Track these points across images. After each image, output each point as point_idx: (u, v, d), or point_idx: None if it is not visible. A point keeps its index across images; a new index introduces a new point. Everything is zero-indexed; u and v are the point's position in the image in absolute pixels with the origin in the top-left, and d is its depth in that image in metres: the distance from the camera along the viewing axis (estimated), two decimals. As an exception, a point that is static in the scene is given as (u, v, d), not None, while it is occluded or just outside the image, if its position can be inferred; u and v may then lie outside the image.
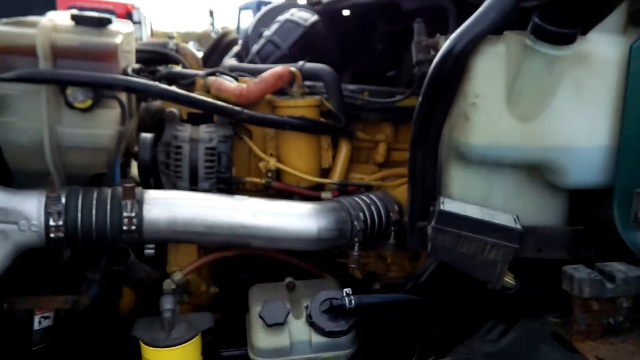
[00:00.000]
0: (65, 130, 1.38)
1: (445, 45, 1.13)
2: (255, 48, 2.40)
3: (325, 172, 1.88)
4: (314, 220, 1.52)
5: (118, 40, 1.38)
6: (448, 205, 1.21)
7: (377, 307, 1.48)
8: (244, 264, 1.84)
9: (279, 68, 1.77)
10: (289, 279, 1.66)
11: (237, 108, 1.58)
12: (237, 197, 1.54)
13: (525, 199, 1.26)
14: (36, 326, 1.57)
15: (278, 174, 1.82)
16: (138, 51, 2.04)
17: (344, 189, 1.79)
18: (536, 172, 1.23)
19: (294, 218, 1.51)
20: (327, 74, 1.83)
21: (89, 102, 1.36)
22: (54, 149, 1.38)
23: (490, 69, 1.14)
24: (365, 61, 2.64)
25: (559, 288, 1.20)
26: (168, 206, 1.43)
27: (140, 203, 1.40)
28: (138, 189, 1.43)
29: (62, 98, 1.35)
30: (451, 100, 1.21)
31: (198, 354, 1.42)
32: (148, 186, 1.67)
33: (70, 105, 1.36)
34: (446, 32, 1.42)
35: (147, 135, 1.68)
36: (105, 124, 1.40)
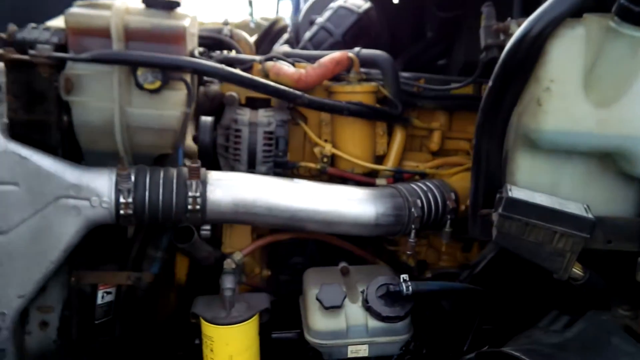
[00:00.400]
0: (135, 111, 1.42)
1: (521, 28, 1.11)
2: (307, 35, 2.40)
3: (380, 159, 1.88)
4: (372, 205, 1.53)
5: (186, 23, 1.41)
6: (516, 192, 1.20)
7: (434, 294, 1.47)
8: (296, 248, 1.86)
9: (337, 53, 1.77)
10: (343, 264, 1.67)
11: (297, 92, 1.59)
12: (296, 180, 1.55)
13: (595, 188, 1.23)
14: (99, 301, 1.63)
15: (332, 160, 1.83)
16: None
17: (399, 176, 1.78)
18: (609, 160, 1.20)
19: (353, 202, 1.52)
20: (384, 60, 1.82)
21: (157, 84, 1.40)
22: (124, 129, 1.42)
23: (567, 53, 1.11)
24: (416, 49, 2.61)
25: (627, 280, 1.17)
26: (231, 187, 1.46)
27: (204, 183, 1.43)
28: (202, 170, 1.46)
29: (133, 79, 1.39)
30: (522, 86, 1.19)
31: (256, 333, 1.45)
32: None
33: (140, 87, 1.39)
34: (504, 19, 1.39)
35: (207, 119, 1.71)
36: (172, 105, 1.44)
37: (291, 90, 1.58)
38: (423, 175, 1.80)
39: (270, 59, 1.89)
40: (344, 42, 2.29)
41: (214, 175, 1.47)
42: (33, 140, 1.40)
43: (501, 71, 1.17)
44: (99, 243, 1.60)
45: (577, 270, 1.19)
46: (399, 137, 1.88)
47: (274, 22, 2.88)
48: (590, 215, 1.14)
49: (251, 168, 1.69)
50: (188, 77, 1.47)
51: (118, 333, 1.63)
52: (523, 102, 1.22)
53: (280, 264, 1.90)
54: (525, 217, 1.16)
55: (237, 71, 1.47)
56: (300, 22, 2.68)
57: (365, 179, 1.77)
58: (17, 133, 1.39)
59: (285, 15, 2.78)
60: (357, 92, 1.78)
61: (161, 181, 1.40)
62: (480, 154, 1.30)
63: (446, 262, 1.94)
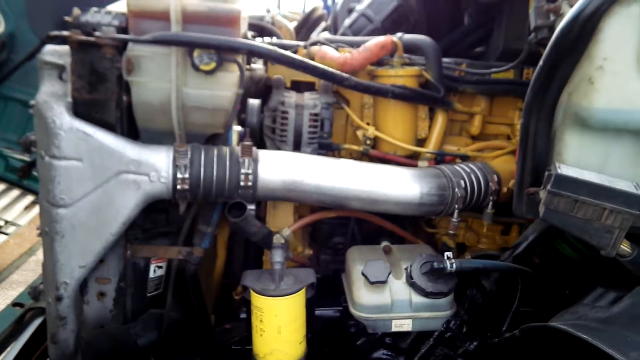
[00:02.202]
0: (190, 91, 1.48)
1: (576, 6, 1.12)
2: (347, 22, 2.44)
3: (421, 143, 1.91)
4: (417, 184, 1.56)
5: (240, 6, 1.46)
6: (565, 170, 1.22)
7: (478, 272, 1.50)
8: (337, 229, 1.91)
9: (382, 38, 1.80)
10: (385, 243, 1.71)
11: (344, 75, 1.63)
12: (342, 160, 1.60)
13: (645, 167, 1.24)
14: (151, 274, 1.71)
15: (374, 142, 1.86)
16: None
17: (441, 158, 1.81)
18: (659, 139, 1.21)
19: (397, 181, 1.56)
20: (427, 45, 1.84)
21: (213, 65, 1.45)
22: (179, 109, 1.48)
23: (621, 31, 1.12)
24: (454, 36, 2.61)
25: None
26: (281, 165, 1.51)
27: (256, 161, 1.48)
28: (254, 149, 1.52)
29: (189, 60, 1.45)
30: (574, 65, 1.21)
31: (303, 307, 1.51)
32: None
33: (196, 68, 1.45)
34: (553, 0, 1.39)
35: (255, 101, 1.77)
36: (225, 86, 1.49)
37: (339, 72, 1.62)
38: (465, 158, 1.83)
39: (315, 43, 1.94)
40: (383, 29, 2.32)
41: (265, 154, 1.52)
42: (94, 118, 1.48)
43: (553, 50, 1.19)
44: (153, 219, 1.68)
45: (625, 247, 1.21)
46: (440, 120, 1.90)
47: (312, 11, 2.92)
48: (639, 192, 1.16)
49: (296, 149, 1.75)
50: (240, 59, 1.52)
51: (168, 305, 1.70)
52: (574, 81, 1.23)
53: (321, 243, 1.95)
54: (574, 193, 1.18)
55: (290, 54, 1.52)
56: (338, 10, 2.72)
57: (407, 161, 1.80)
58: (79, 111, 1.47)
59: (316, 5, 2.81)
60: (400, 75, 1.81)
61: (215, 158, 1.47)
62: (527, 132, 1.32)
63: (485, 244, 1.97)
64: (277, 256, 1.49)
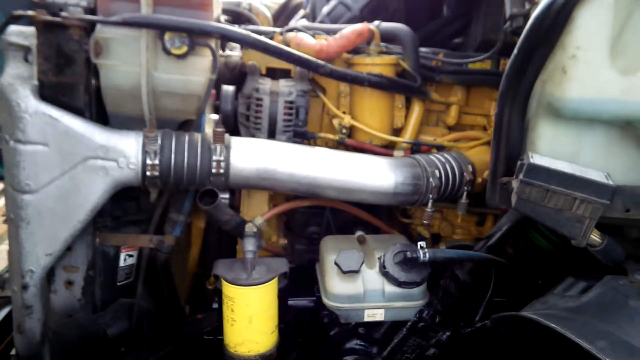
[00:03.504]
0: (161, 76, 1.44)
1: (549, -5, 1.12)
2: (325, 10, 2.41)
3: (397, 132, 1.90)
4: (392, 173, 1.55)
5: (213, -11, 1.42)
6: (537, 159, 1.22)
7: (451, 262, 1.50)
8: (312, 218, 1.89)
9: (358, 25, 1.78)
10: (359, 233, 1.70)
11: (320, 62, 1.61)
12: (317, 148, 1.58)
13: (616, 157, 1.25)
14: (121, 263, 1.67)
15: (350, 131, 1.85)
16: None
17: (416, 148, 1.80)
18: (630, 129, 1.22)
19: (372, 171, 1.54)
20: (404, 33, 1.83)
21: (184, 49, 1.41)
22: (149, 94, 1.44)
23: (595, 20, 1.12)
24: (432, 27, 2.60)
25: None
26: (254, 153, 1.48)
27: (228, 148, 1.46)
28: (226, 135, 1.49)
29: (160, 44, 1.41)
30: (547, 54, 1.20)
31: (275, 296, 1.49)
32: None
33: (167, 51, 1.41)
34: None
35: (229, 88, 1.73)
36: (197, 71, 1.46)
37: (314, 59, 1.59)
38: (441, 148, 1.83)
39: (292, 30, 1.91)
40: (361, 17, 2.30)
41: (238, 141, 1.50)
42: (61, 102, 1.43)
43: (527, 39, 1.18)
44: (123, 206, 1.64)
45: (595, 237, 1.22)
46: (417, 110, 1.90)
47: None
48: (610, 182, 1.16)
49: (271, 137, 1.72)
50: (213, 44, 1.49)
51: (139, 295, 1.66)
52: (547, 70, 1.23)
53: (296, 233, 1.94)
54: (545, 183, 1.18)
55: (264, 39, 1.49)
56: (316, -1, 2.69)
57: (383, 151, 1.79)
58: (46, 95, 1.42)
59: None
60: (377, 64, 1.79)
61: (186, 145, 1.43)
62: (501, 122, 1.31)
63: (460, 235, 1.98)
64: (249, 245, 1.47)
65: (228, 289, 1.45)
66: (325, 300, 1.49)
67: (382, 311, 1.48)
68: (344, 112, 1.85)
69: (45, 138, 1.38)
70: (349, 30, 1.76)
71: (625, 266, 1.22)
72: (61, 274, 1.58)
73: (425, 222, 1.66)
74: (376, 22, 1.92)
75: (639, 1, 1.07)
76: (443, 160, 1.65)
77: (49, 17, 1.32)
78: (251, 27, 2.05)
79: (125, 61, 1.41)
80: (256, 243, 1.49)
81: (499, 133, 1.32)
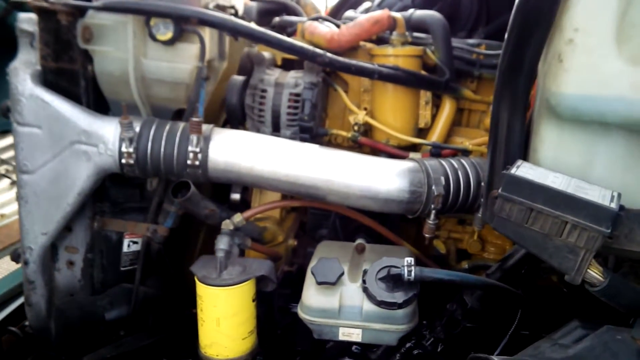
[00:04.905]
0: (150, 62, 1.42)
1: (532, -40, 0.88)
2: (377, 0, 2.25)
3: (423, 133, 1.70)
4: (386, 178, 1.37)
5: (200, -27, 1.36)
6: (524, 170, 0.97)
7: (443, 284, 1.28)
8: (323, 220, 1.76)
9: (377, 12, 1.61)
10: (359, 241, 1.54)
11: (318, 50, 1.47)
12: (306, 145, 1.45)
13: (639, 172, 0.96)
14: (125, 249, 1.69)
15: (370, 129, 1.68)
16: (262, 1, 2.06)
17: (436, 151, 1.58)
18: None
19: (362, 172, 1.38)
20: (434, 21, 1.62)
21: (169, 35, 1.38)
22: (138, 80, 1.43)
23: (597, -7, 0.86)
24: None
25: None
26: (234, 146, 1.40)
27: (207, 140, 1.39)
28: (208, 126, 1.42)
29: (147, 30, 1.39)
30: (544, 38, 0.95)
31: (247, 299, 1.39)
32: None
33: (153, 37, 1.39)
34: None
35: (238, 78, 1.67)
36: (184, 59, 1.41)
37: (310, 48, 1.46)
38: (466, 153, 1.58)
39: (316, 19, 1.80)
40: (415, 7, 2.10)
41: (220, 133, 1.42)
42: (62, 87, 1.47)
43: (516, 18, 0.95)
44: (126, 193, 1.66)
45: (594, 273, 0.94)
46: (447, 108, 1.67)
47: (352, -11, 2.74)
48: (612, 205, 0.89)
49: (276, 131, 1.62)
50: (207, 32, 1.43)
51: (137, 281, 1.67)
52: (547, 59, 0.98)
53: (308, 235, 1.82)
54: (528, 200, 0.94)
55: (246, 24, 1.40)
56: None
57: (397, 152, 1.60)
58: (48, 80, 1.47)
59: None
60: (398, 55, 1.61)
61: (165, 133, 1.39)
62: (498, 124, 1.08)
63: (492, 254, 1.72)
64: (221, 243, 1.39)
65: (198, 287, 1.38)
66: (299, 312, 1.36)
67: (359, 331, 1.31)
68: (365, 109, 1.69)
69: (39, 121, 1.43)
70: (365, 17, 1.59)
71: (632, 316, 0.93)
72: (64, 253, 1.64)
73: (427, 235, 1.45)
74: (410, 11, 1.73)
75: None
76: (456, 166, 1.43)
77: (38, 3, 1.35)
78: (287, 17, 1.98)
79: (116, 47, 1.41)
80: (230, 242, 1.40)
81: (495, 137, 1.09)
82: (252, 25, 1.43)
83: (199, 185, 1.51)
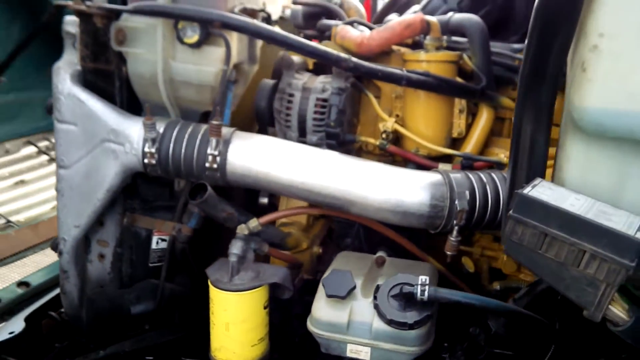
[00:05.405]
0: (178, 65, 1.44)
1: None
2: (423, 2, 2.17)
3: (457, 143, 1.61)
4: (405, 190, 1.30)
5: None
6: (541, 189, 0.88)
7: (459, 306, 1.20)
8: (348, 230, 1.71)
9: (409, 16, 1.54)
10: (380, 253, 1.48)
11: (343, 55, 1.42)
12: (327, 152, 1.41)
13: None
14: (154, 245, 1.72)
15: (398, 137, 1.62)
16: (305, 4, 2.05)
17: (468, 163, 1.49)
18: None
19: (381, 183, 1.32)
20: (471, 25, 1.53)
21: (195, 38, 1.39)
22: (167, 82, 1.45)
23: (624, -5, 0.76)
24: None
25: None
26: (253, 150, 1.38)
27: (227, 143, 1.38)
28: (229, 130, 1.42)
29: (175, 33, 1.40)
30: (569, 42, 0.86)
31: (258, 306, 1.37)
32: (264, 134, 1.65)
33: (181, 40, 1.40)
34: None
35: (268, 82, 1.66)
36: (210, 61, 1.42)
37: (334, 52, 1.42)
38: (500, 166, 1.48)
39: (350, 23, 1.76)
40: (460, 10, 2.00)
41: (241, 137, 1.41)
42: (99, 87, 1.52)
43: (537, 20, 0.86)
44: (156, 191, 1.69)
45: (617, 311, 0.84)
46: (484, 118, 1.58)
47: (401, -7, 2.67)
48: (639, 234, 0.78)
49: (302, 136, 1.60)
50: (233, 35, 1.43)
51: (162, 277, 1.70)
52: (572, 66, 0.88)
53: (335, 243, 1.77)
54: (542, 223, 0.85)
55: (269, 27, 1.38)
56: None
57: (426, 162, 1.53)
58: (88, 80, 1.53)
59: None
60: (431, 60, 1.53)
61: (187, 135, 1.40)
62: (520, 138, 0.99)
63: (530, 275, 1.58)
64: (235, 248, 1.37)
65: (211, 290, 1.38)
66: (308, 324, 1.32)
67: (367, 349, 1.25)
68: (396, 116, 1.63)
69: (75, 118, 1.49)
70: (397, 21, 1.53)
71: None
72: (95, 246, 1.70)
73: (448, 253, 1.36)
74: (449, 14, 1.65)
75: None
76: (485, 180, 1.33)
77: (76, 6, 1.40)
78: (325, 21, 1.95)
79: (148, 49, 1.44)
80: (244, 246, 1.38)
81: (516, 152, 1.00)
82: (275, 29, 1.41)
83: (231, 188, 1.50)
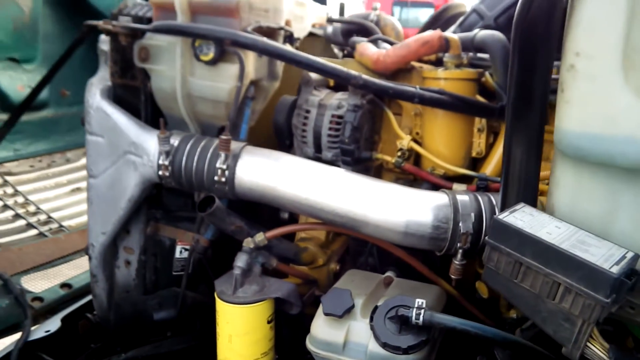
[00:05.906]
0: (195, 81, 1.50)
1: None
2: (460, 19, 2.12)
3: (476, 162, 1.55)
4: (407, 210, 1.27)
5: (244, -1, 1.40)
6: (519, 215, 0.84)
7: (457, 332, 1.14)
8: (363, 247, 1.68)
9: (427, 33, 1.51)
10: (389, 273, 1.45)
11: (353, 72, 1.42)
12: (333, 169, 1.40)
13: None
14: (177, 254, 1.79)
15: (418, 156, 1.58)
16: (341, 22, 2.08)
17: (483, 184, 1.43)
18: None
19: (384, 202, 1.29)
20: (493, 42, 1.48)
21: (211, 55, 1.44)
22: (185, 97, 1.51)
23: (602, 11, 0.71)
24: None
25: None
26: (261, 165, 1.41)
27: (236, 157, 1.42)
28: (239, 144, 1.45)
29: (193, 51, 1.46)
30: (550, 63, 0.81)
31: (261, 320, 1.38)
32: (283, 149, 1.68)
33: (198, 58, 1.46)
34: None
35: (288, 98, 1.68)
36: (224, 78, 1.46)
37: (344, 69, 1.42)
38: (518, 189, 1.40)
39: (374, 41, 1.75)
40: (497, 27, 1.94)
41: (250, 152, 1.44)
42: (127, 102, 1.62)
43: (516, 40, 0.82)
44: (178, 202, 1.76)
45: (596, 349, 0.77)
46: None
47: (446, 8, 2.63)
48: (615, 268, 0.71)
49: (318, 152, 1.60)
50: (250, 54, 1.47)
51: (183, 286, 1.75)
52: (560, 85, 0.83)
53: (352, 261, 1.75)
54: (516, 251, 0.80)
55: (278, 44, 1.40)
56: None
57: (440, 182, 1.48)
58: (117, 94, 1.63)
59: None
60: (448, 78, 1.49)
61: (199, 149, 1.45)
62: (510, 162, 0.94)
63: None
64: (239, 261, 1.39)
65: (216, 301, 1.41)
66: (307, 341, 1.31)
67: (362, 371, 1.23)
68: (416, 134, 1.60)
69: (102, 131, 1.58)
70: (413, 38, 1.51)
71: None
72: (122, 253, 1.79)
73: (452, 276, 1.31)
74: (474, 31, 1.60)
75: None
76: (494, 203, 1.27)
77: (104, 26, 1.50)
78: (357, 38, 1.96)
79: (169, 66, 1.51)
80: (249, 260, 1.40)
81: (507, 176, 0.95)
82: (285, 46, 1.43)
83: (258, 204, 1.53)
